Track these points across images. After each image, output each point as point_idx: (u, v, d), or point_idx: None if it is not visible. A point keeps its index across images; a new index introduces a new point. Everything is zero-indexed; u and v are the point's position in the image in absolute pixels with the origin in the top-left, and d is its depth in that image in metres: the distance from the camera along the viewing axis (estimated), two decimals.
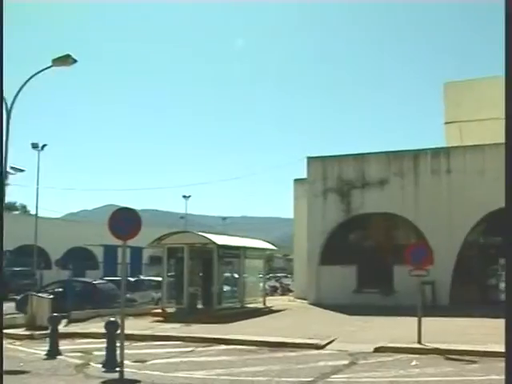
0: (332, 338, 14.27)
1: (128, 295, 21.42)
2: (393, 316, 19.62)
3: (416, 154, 25.66)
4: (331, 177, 26.82)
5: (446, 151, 25.60)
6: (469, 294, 23.82)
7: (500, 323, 18.02)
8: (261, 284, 26.57)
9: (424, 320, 13.76)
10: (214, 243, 21.52)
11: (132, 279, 26.39)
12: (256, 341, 14.09)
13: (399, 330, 15.78)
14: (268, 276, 42.47)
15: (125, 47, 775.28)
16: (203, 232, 23.56)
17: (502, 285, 29.15)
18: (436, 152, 25.52)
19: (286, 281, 46.18)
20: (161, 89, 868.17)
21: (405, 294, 22.31)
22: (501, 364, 11.14)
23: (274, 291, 38.01)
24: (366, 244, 26.73)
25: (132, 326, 15.92)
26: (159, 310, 21.54)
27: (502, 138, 22.87)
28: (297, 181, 32.79)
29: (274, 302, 27.57)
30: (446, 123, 30.52)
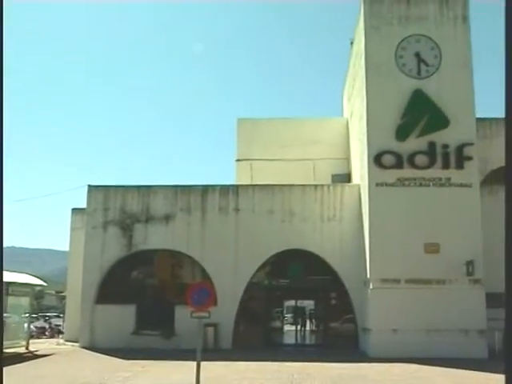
0: None
1: None
2: (173, 360, 19.52)
3: (204, 190, 26.10)
4: (113, 208, 26.18)
5: (235, 189, 26.40)
6: (252, 337, 24.61)
7: (281, 367, 18.75)
8: (25, 325, 24.87)
9: (205, 364, 13.80)
10: None
11: None
12: None
13: (178, 375, 15.68)
14: (36, 315, 40.08)
15: None
16: None
17: (286, 327, 30.79)
18: (225, 189, 26.19)
19: (56, 321, 43.94)
20: None
21: (187, 336, 22.39)
22: None
23: (41, 333, 35.91)
24: (148, 282, 26.40)
25: None
26: None
27: (289, 179, 24.17)
28: (75, 210, 31.59)
29: (40, 345, 25.99)
30: (238, 160, 31.58)
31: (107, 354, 21.39)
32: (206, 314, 13.99)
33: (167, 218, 25.78)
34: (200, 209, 25.79)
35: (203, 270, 25.17)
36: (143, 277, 26.65)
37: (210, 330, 23.62)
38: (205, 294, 14.20)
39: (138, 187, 26.68)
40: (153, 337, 24.58)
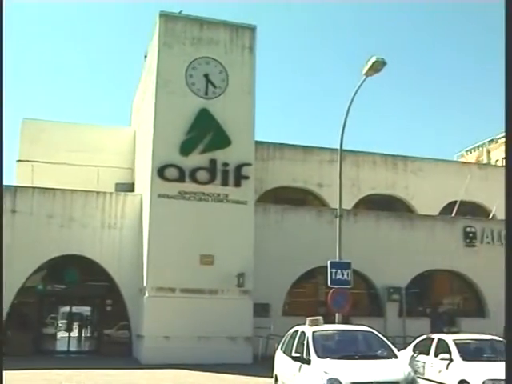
0: None
1: None
2: None
3: None
4: None
5: (14, 190, 24.96)
6: (22, 345, 23.25)
7: (50, 375, 17.99)
8: None
9: None
10: None
11: None
12: None
13: None
14: None
15: None
16: None
17: (60, 334, 29.67)
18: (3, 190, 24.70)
19: None
20: None
21: None
22: None
23: None
24: None
25: None
26: None
27: (73, 185, 23.19)
28: None
29: None
30: (19, 161, 30.01)
31: None
32: None
33: None
34: None
35: None
36: None
37: None
38: None
39: None
40: None
